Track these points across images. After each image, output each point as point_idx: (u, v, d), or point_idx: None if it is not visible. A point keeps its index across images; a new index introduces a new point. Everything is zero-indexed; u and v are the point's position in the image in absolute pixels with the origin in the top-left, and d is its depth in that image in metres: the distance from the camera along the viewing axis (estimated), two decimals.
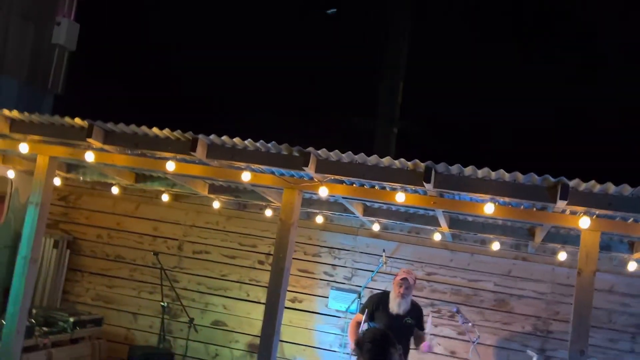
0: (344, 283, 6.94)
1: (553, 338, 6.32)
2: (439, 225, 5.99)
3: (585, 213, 4.08)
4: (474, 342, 5.61)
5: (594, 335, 6.14)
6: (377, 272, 6.49)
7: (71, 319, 6.30)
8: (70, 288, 7.48)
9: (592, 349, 6.09)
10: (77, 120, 4.57)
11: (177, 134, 4.41)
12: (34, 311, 6.18)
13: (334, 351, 6.73)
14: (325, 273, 7.02)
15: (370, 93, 11.85)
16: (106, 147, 4.73)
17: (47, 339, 5.94)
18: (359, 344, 3.02)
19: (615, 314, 6.28)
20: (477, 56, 11.68)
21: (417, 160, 4.14)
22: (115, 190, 7.04)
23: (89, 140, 4.57)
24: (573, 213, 4.28)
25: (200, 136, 4.37)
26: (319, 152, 4.31)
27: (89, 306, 7.32)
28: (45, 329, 6.02)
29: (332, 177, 4.54)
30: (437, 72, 11.81)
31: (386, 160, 4.23)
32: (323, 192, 4.58)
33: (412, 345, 5.94)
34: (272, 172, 4.79)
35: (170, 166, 4.65)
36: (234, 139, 4.35)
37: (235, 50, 12.54)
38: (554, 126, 11.33)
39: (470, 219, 5.92)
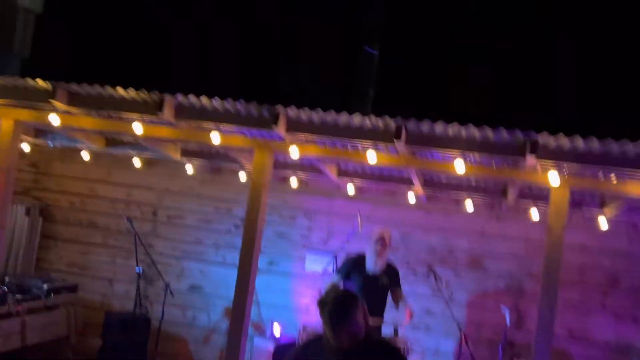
0: (320, 245, 6.95)
1: (526, 294, 6.41)
2: (413, 185, 5.99)
3: (554, 168, 4.09)
4: (448, 300, 5.68)
5: (566, 291, 6.24)
6: (352, 233, 6.50)
7: (45, 286, 6.25)
8: (44, 255, 7.42)
9: (563, 305, 6.20)
10: (40, 82, 4.46)
11: (143, 94, 4.33)
12: (6, 279, 6.13)
13: (313, 312, 6.76)
14: (301, 236, 7.02)
15: (347, 54, 11.72)
16: (71, 109, 4.63)
17: (20, 306, 5.89)
18: (320, 304, 2.95)
19: (587, 271, 6.37)
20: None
21: (387, 118, 4.11)
22: (85, 155, 6.93)
23: (53, 102, 4.47)
24: (543, 169, 4.28)
25: (167, 96, 4.29)
26: (289, 110, 4.25)
27: (64, 273, 7.26)
28: (18, 296, 5.96)
29: (303, 136, 4.49)
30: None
31: (357, 119, 4.19)
32: (294, 152, 4.53)
33: (391, 305, 6.01)
34: (243, 133, 4.73)
35: (138, 128, 4.56)
36: (202, 99, 4.27)
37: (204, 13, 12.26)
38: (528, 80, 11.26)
39: (443, 179, 5.92)
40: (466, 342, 5.51)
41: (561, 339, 6.23)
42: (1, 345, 5.60)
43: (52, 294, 6.33)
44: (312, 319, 6.51)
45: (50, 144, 6.61)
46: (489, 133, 3.97)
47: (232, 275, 6.87)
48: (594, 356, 6.22)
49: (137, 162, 6.91)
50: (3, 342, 5.63)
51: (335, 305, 2.87)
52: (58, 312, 6.48)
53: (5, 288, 5.81)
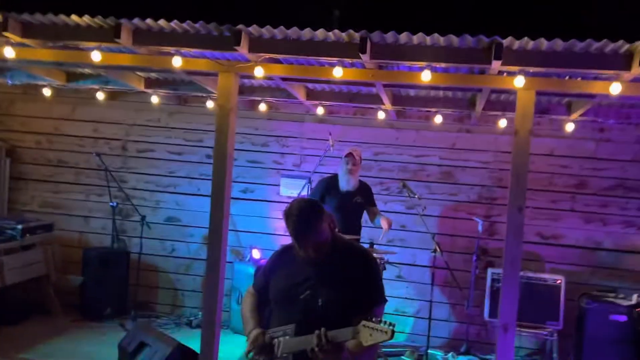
0: (293, 170, 6.97)
1: (497, 204, 6.55)
2: (383, 104, 5.98)
3: (520, 72, 4.09)
4: (420, 215, 5.78)
5: (536, 197, 6.40)
6: (325, 156, 6.52)
7: (19, 227, 6.20)
8: (16, 197, 7.33)
9: (534, 211, 6.38)
10: None
11: (99, 20, 4.18)
12: None
13: (288, 235, 6.83)
14: (275, 162, 7.02)
15: None
16: (26, 41, 4.47)
17: None
18: (285, 215, 2.96)
19: (556, 176, 6.50)
20: None
21: (351, 31, 4.05)
22: (47, 92, 6.74)
23: (6, 34, 4.30)
24: (510, 74, 4.28)
25: (123, 21, 4.15)
26: (250, 29, 4.15)
27: (37, 213, 7.20)
28: None
29: (267, 56, 4.41)
30: None
31: (320, 33, 4.12)
32: (258, 72, 4.46)
33: (368, 223, 6.11)
34: (205, 56, 4.63)
35: (96, 56, 4.43)
36: (160, 22, 4.14)
37: None
38: None
39: (412, 93, 5.91)
40: (440, 253, 5.66)
41: (532, 243, 6.43)
42: None
43: (28, 234, 6.29)
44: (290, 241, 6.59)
45: (9, 81, 6.41)
46: (454, 40, 3.94)
47: (208, 205, 6.95)
48: (565, 257, 6.44)
49: (100, 96, 6.76)
50: None
51: (299, 216, 2.89)
52: (35, 251, 6.47)
53: None
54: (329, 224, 2.97)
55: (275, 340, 2.92)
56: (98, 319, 6.51)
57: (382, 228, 5.75)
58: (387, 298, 3.01)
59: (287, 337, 2.87)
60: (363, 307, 2.81)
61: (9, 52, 4.54)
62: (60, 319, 6.51)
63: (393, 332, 2.50)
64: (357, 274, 2.94)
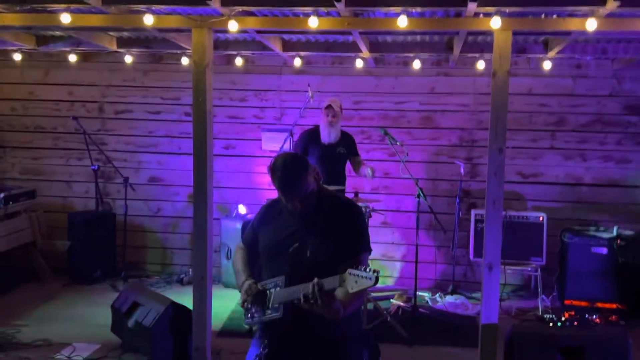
0: (274, 123, 6.94)
1: (478, 146, 6.60)
2: (360, 51, 5.93)
3: (496, 13, 4.06)
4: (403, 161, 5.81)
5: (516, 137, 6.46)
6: (305, 107, 6.49)
7: (1, 195, 6.15)
8: None
9: (514, 150, 6.45)
10: None
11: None
12: None
13: (273, 189, 6.85)
14: (255, 116, 6.98)
15: None
16: None
17: None
18: (270, 170, 2.98)
19: (535, 115, 6.55)
20: None
21: None
22: (17, 57, 6.60)
23: None
24: (486, 16, 4.25)
25: None
26: None
27: (19, 180, 7.15)
28: None
29: (240, 9, 4.33)
30: None
31: None
32: (233, 26, 4.37)
33: (351, 173, 6.15)
34: (177, 12, 4.54)
35: (65, 18, 4.32)
36: None
37: None
38: None
39: (389, 39, 5.86)
40: (424, 197, 5.72)
41: (514, 182, 6.53)
42: None
43: (11, 202, 6.26)
44: (274, 195, 6.62)
45: None
46: None
47: (190, 163, 6.93)
48: (546, 194, 6.56)
49: (73, 58, 6.63)
50: None
51: (284, 170, 2.91)
52: (20, 218, 6.45)
53: None
54: (314, 176, 2.99)
55: (267, 291, 2.97)
56: (88, 282, 6.55)
57: (367, 177, 5.81)
58: (371, 247, 3.05)
59: (278, 289, 2.92)
60: (350, 256, 2.85)
61: None
62: (51, 284, 6.55)
63: (377, 278, 2.55)
64: (343, 224, 2.97)
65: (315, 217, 2.99)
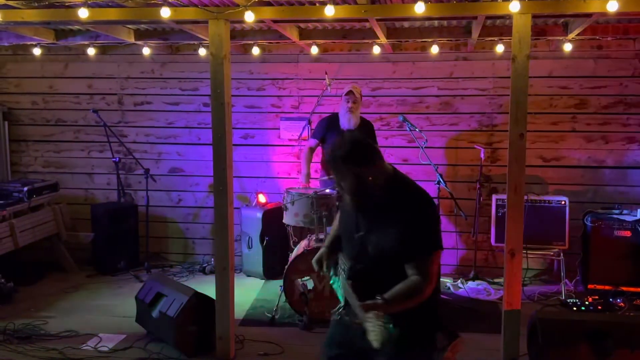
0: (292, 112, 6.94)
1: (498, 130, 6.55)
2: (377, 38, 5.89)
3: None
4: (422, 147, 5.79)
5: (536, 120, 6.39)
6: (322, 95, 6.49)
7: (25, 189, 6.25)
8: (18, 159, 7.36)
9: (534, 134, 6.38)
10: None
11: None
12: None
13: (294, 178, 6.89)
14: (273, 105, 6.98)
15: None
16: (10, 2, 4.39)
17: (5, 211, 5.93)
18: (335, 157, 2.63)
19: (555, 98, 6.47)
20: None
21: None
22: (37, 51, 6.65)
23: None
24: (505, 0, 4.20)
25: None
26: None
27: (41, 174, 7.24)
28: (0, 202, 5.98)
29: None
30: None
31: None
32: (249, 17, 4.37)
33: None
34: (194, 4, 4.54)
35: (83, 13, 4.34)
36: None
37: None
38: None
39: (406, 25, 5.81)
40: (444, 183, 5.70)
41: (535, 166, 6.47)
42: None
43: (34, 195, 6.35)
44: (293, 183, 6.65)
45: None
46: None
47: (209, 153, 6.98)
48: (568, 177, 6.49)
49: (91, 52, 6.67)
50: None
51: (353, 150, 2.58)
52: (43, 211, 6.54)
53: None
54: (376, 166, 2.64)
55: (340, 269, 2.85)
56: (112, 273, 6.64)
57: None
58: (439, 246, 2.67)
59: (343, 274, 2.77)
60: (408, 259, 2.61)
61: None
62: (76, 276, 6.65)
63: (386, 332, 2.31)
64: (405, 221, 2.62)
65: (377, 207, 2.68)
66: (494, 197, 6.15)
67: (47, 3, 4.48)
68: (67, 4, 4.52)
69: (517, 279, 4.27)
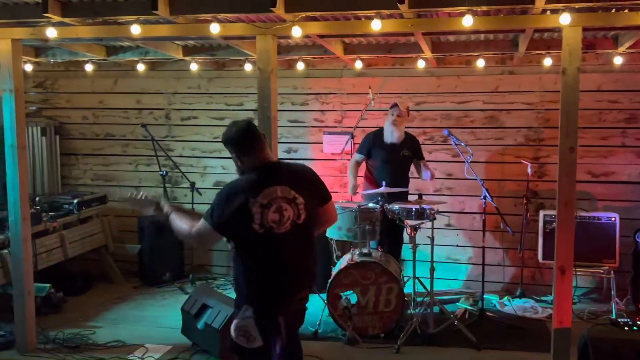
0: (335, 126, 6.97)
1: (545, 145, 6.44)
2: (422, 52, 5.88)
3: (565, 9, 3.96)
4: (467, 162, 5.73)
5: (585, 135, 6.27)
6: (366, 110, 6.50)
7: (75, 201, 6.42)
8: (68, 172, 7.56)
9: (583, 149, 6.25)
10: None
11: None
12: (37, 199, 6.28)
13: (336, 192, 6.89)
14: (316, 119, 7.02)
15: None
16: (66, 20, 4.53)
17: (56, 223, 6.08)
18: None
19: (604, 112, 6.34)
20: None
21: None
22: (89, 67, 6.86)
23: (47, 15, 4.36)
24: (554, 12, 4.15)
25: None
26: None
27: (90, 186, 7.43)
28: (52, 213, 6.14)
29: (304, 14, 4.37)
30: None
31: None
32: (296, 32, 4.43)
33: (414, 175, 6.12)
34: (242, 20, 4.62)
35: (135, 30, 4.46)
36: None
37: None
38: None
39: (452, 38, 5.79)
40: (491, 198, 5.62)
41: (583, 182, 6.33)
42: (46, 261, 5.86)
43: (84, 207, 6.52)
44: (336, 197, 6.66)
45: (52, 60, 6.55)
46: None
47: None
48: (618, 194, 6.33)
49: (141, 67, 6.83)
50: (47, 257, 5.89)
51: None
52: (92, 223, 6.70)
53: (38, 207, 5.98)
54: None
55: None
56: (158, 284, 6.75)
57: (427, 180, 5.83)
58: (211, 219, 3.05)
59: None
60: None
61: (51, 33, 4.61)
62: (123, 287, 6.77)
63: None
64: None
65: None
66: (542, 212, 6.04)
67: (100, 20, 4.62)
68: (119, 21, 4.65)
69: (567, 296, 4.18)
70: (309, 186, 3.15)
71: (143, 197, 3.33)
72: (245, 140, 3.11)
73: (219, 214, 2.97)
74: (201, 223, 3.03)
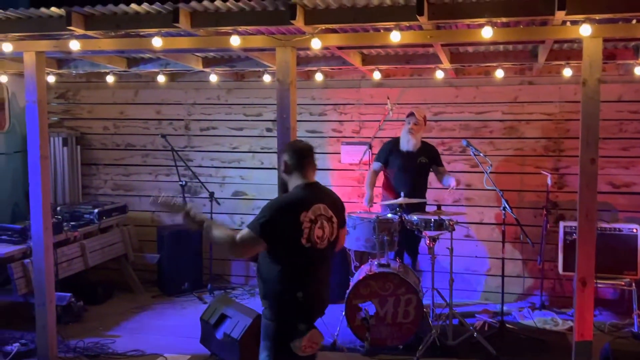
0: (353, 137, 6.98)
1: (565, 156, 6.40)
2: (441, 62, 5.88)
3: (585, 21, 3.95)
4: (487, 172, 5.71)
5: (605, 146, 6.22)
6: (384, 120, 6.50)
7: (96, 210, 6.50)
8: (89, 182, 7.65)
9: (603, 159, 6.20)
10: (54, 10, 4.42)
11: (157, 6, 4.25)
12: (58, 209, 6.37)
13: (355, 202, 6.90)
14: (334, 130, 7.05)
15: None
16: (89, 32, 4.60)
17: (77, 232, 6.15)
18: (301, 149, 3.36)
19: (625, 123, 6.29)
20: None
21: None
22: (110, 79, 6.95)
23: (70, 28, 4.43)
24: (574, 23, 4.14)
25: (181, 5, 4.21)
26: (305, 2, 4.15)
27: (111, 196, 7.50)
28: (72, 223, 6.22)
29: (323, 27, 4.40)
30: None
31: None
32: (316, 44, 4.46)
33: (432, 185, 6.11)
34: (262, 33, 4.66)
35: (157, 42, 4.52)
36: (216, 2, 4.19)
37: None
38: None
39: (470, 49, 5.79)
40: (510, 209, 5.59)
41: (604, 193, 6.27)
42: (66, 270, 5.93)
43: (104, 217, 6.59)
44: (354, 207, 6.65)
45: (74, 72, 6.65)
46: None
47: (272, 177, 7.05)
48: (639, 205, 6.26)
49: (161, 79, 6.91)
50: (67, 267, 5.95)
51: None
52: (112, 233, 6.77)
53: (60, 217, 6.05)
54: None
55: None
56: (177, 294, 6.79)
57: (450, 187, 5.79)
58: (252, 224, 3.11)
59: None
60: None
61: (74, 45, 4.69)
62: (142, 296, 6.82)
63: None
64: None
65: None
66: (562, 224, 5.99)
67: (123, 33, 4.68)
68: (141, 34, 4.71)
69: (588, 309, 4.14)
70: (338, 208, 3.33)
71: (174, 202, 3.35)
72: (306, 158, 3.29)
73: (269, 224, 3.07)
74: (246, 232, 3.09)
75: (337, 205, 3.33)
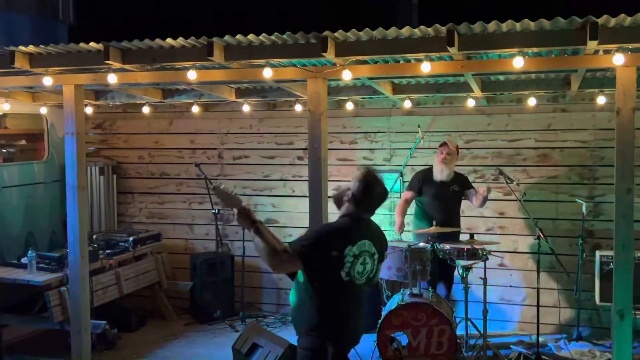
0: (384, 165, 6.98)
1: (600, 184, 6.30)
2: (472, 91, 5.88)
3: (618, 50, 3.93)
4: (520, 200, 5.66)
5: None
6: (415, 148, 6.51)
7: (131, 239, 6.60)
8: (124, 210, 7.78)
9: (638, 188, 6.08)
10: (93, 44, 4.56)
11: (192, 40, 4.36)
12: (94, 237, 6.48)
13: (385, 230, 6.85)
14: (364, 158, 7.07)
15: None
16: (126, 66, 4.73)
17: (112, 260, 6.25)
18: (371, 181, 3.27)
19: None
20: None
21: (437, 25, 4.01)
22: (146, 109, 7.11)
23: (108, 62, 4.57)
24: (606, 52, 4.12)
25: (215, 39, 4.32)
26: (336, 34, 4.21)
27: (145, 224, 7.62)
28: (108, 251, 6.32)
29: (354, 58, 4.46)
30: None
31: (406, 31, 4.11)
32: (347, 75, 4.51)
33: (465, 213, 6.08)
34: (293, 65, 4.74)
35: (192, 75, 4.63)
36: (249, 36, 4.28)
37: None
38: None
39: (502, 78, 5.78)
40: (545, 238, 5.52)
41: None
42: (102, 297, 6.02)
43: (139, 245, 6.68)
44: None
45: (111, 103, 6.82)
46: (545, 23, 3.83)
47: (303, 205, 7.11)
48: None
49: (195, 109, 7.04)
50: (103, 294, 6.04)
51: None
52: (146, 260, 6.86)
53: (95, 245, 6.16)
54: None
55: None
56: (209, 322, 6.82)
57: (479, 193, 5.73)
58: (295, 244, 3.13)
59: None
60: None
61: (112, 78, 4.83)
62: (175, 324, 6.87)
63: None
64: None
65: None
66: (598, 253, 5.88)
67: (158, 66, 4.81)
68: (176, 67, 4.83)
69: (627, 341, 4.05)
70: (382, 244, 3.32)
71: (234, 193, 3.38)
72: (374, 206, 3.26)
73: (312, 249, 3.07)
74: (288, 247, 3.09)
75: (381, 242, 3.31)
